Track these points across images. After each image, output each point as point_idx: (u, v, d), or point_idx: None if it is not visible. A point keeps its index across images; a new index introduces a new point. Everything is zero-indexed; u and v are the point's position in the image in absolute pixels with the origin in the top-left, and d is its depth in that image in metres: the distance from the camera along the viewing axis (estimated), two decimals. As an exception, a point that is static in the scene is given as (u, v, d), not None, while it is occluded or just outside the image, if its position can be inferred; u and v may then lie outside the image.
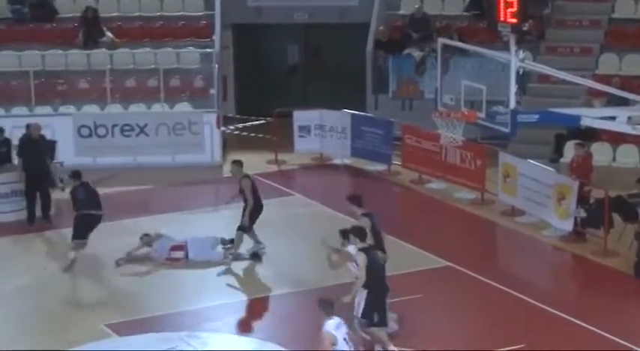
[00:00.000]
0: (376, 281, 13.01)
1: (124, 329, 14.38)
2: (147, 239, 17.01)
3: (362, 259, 12.94)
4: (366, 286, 12.90)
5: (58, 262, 16.96)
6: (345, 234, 13.56)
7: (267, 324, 14.97)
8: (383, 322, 13.04)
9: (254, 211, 16.70)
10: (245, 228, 16.69)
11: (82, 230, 16.67)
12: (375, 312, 12.93)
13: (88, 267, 16.78)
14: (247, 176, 16.98)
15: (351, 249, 13.43)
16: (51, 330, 14.41)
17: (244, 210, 16.71)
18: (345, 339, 11.21)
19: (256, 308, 15.50)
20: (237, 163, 17.17)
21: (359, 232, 13.26)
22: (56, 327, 14.54)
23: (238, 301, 15.60)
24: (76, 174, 17.11)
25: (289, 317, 15.01)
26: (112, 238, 17.51)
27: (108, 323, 14.55)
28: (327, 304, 11.39)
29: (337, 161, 23.10)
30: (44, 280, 16.29)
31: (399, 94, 24.75)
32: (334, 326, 11.17)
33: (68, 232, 18.10)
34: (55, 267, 16.79)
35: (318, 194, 20.62)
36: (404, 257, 16.72)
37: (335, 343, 11.07)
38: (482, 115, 16.55)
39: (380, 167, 22.30)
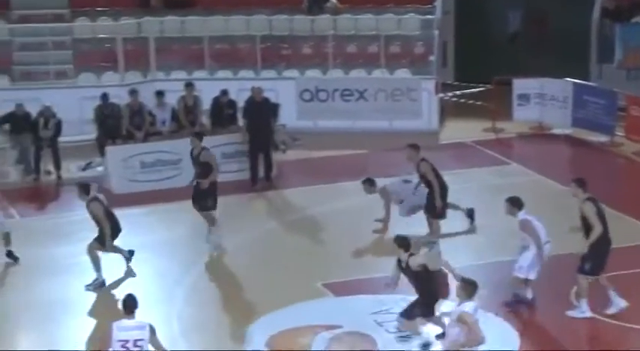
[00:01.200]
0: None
1: (340, 289, 14.58)
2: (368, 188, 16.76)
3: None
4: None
5: (278, 221, 17.37)
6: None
7: (483, 291, 14.74)
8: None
9: (441, 194, 15.83)
10: (439, 215, 15.92)
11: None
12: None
13: (307, 227, 17.10)
14: (425, 160, 15.89)
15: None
16: (269, 286, 14.78)
17: (431, 195, 15.79)
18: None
19: (473, 275, 15.29)
20: (414, 148, 16.05)
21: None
22: (274, 283, 14.90)
23: (455, 267, 15.46)
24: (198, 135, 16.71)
25: (503, 285, 14.79)
26: (331, 199, 17.76)
27: (325, 282, 14.77)
28: (470, 285, 10.96)
29: (557, 131, 22.55)
30: (265, 238, 16.70)
31: (625, 64, 23.88)
32: (472, 308, 10.77)
33: (288, 193, 18.60)
34: (274, 226, 17.19)
35: (536, 164, 20.21)
36: (627, 230, 16.16)
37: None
38: None
39: (602, 138, 21.63)
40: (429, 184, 15.81)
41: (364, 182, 16.87)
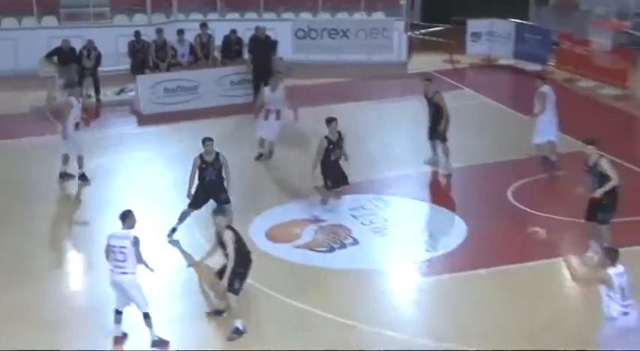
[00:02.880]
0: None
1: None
2: None
3: None
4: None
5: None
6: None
7: (440, 192, 14.84)
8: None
9: (447, 122, 14.78)
10: (443, 137, 14.92)
11: None
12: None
13: (300, 140, 16.97)
14: (439, 92, 14.99)
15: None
16: (271, 187, 14.77)
17: (438, 120, 14.78)
18: (623, 289, 8.69)
19: (433, 180, 15.35)
20: (429, 80, 15.18)
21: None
22: (275, 185, 14.90)
23: (419, 173, 15.46)
24: None
25: (461, 187, 14.84)
26: (318, 119, 17.54)
27: (315, 185, 14.57)
28: (613, 251, 8.86)
29: (502, 62, 22.49)
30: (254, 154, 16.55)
31: (558, 6, 23.65)
32: (615, 272, 8.73)
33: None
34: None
35: (484, 89, 20.22)
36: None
37: (609, 284, 8.70)
38: (630, 24, 15.59)
39: (537, 67, 21.49)
40: (439, 112, 14.84)
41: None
